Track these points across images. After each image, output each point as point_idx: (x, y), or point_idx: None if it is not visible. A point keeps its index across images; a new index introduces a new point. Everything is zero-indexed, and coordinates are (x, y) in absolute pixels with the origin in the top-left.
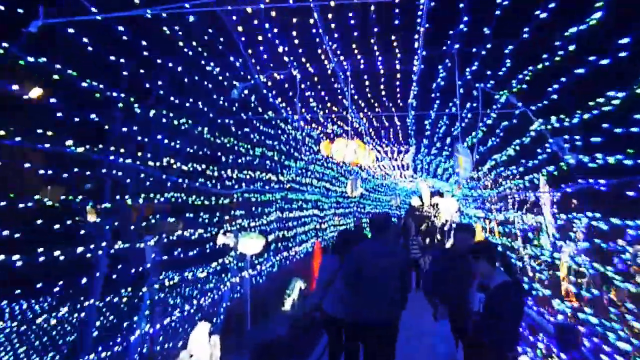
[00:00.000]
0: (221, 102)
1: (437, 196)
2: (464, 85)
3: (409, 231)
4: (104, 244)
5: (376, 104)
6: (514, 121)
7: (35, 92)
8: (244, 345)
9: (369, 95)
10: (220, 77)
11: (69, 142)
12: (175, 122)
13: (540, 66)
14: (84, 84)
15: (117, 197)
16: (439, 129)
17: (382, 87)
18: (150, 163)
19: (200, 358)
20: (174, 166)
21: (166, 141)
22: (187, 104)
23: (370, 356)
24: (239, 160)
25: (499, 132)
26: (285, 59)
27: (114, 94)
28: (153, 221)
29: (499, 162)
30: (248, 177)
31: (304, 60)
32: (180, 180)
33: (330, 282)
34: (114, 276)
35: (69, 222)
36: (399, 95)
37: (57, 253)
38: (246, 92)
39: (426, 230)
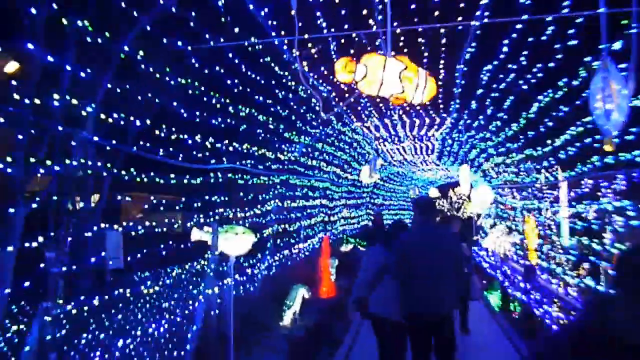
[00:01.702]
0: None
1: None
2: None
3: None
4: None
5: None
6: None
7: None
8: None
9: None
10: None
11: None
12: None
13: None
14: None
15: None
16: (508, 78)
17: None
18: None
19: None
20: (84, 113)
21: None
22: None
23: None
24: (215, 122)
25: None
26: None
27: None
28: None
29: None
30: (232, 149)
31: None
32: (96, 138)
33: (379, 278)
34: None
35: None
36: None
37: None
38: None
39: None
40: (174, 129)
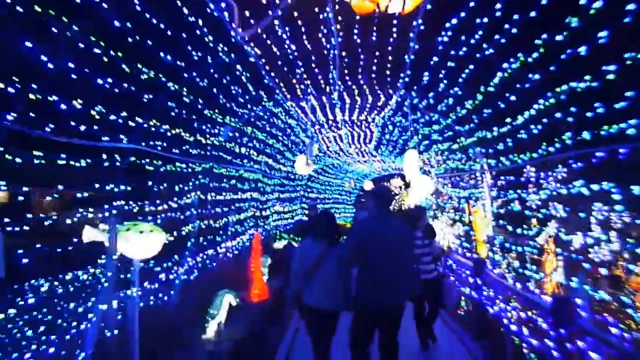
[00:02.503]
0: None
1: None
2: None
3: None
4: None
5: None
6: None
7: None
8: None
9: None
10: None
11: None
12: None
13: None
14: None
15: None
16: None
17: None
18: None
19: None
20: None
21: None
22: None
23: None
24: (104, 83)
25: None
26: None
27: None
28: None
29: None
30: (133, 125)
31: None
32: None
33: (313, 270)
34: None
35: None
36: None
37: None
38: None
39: None
40: (35, 87)
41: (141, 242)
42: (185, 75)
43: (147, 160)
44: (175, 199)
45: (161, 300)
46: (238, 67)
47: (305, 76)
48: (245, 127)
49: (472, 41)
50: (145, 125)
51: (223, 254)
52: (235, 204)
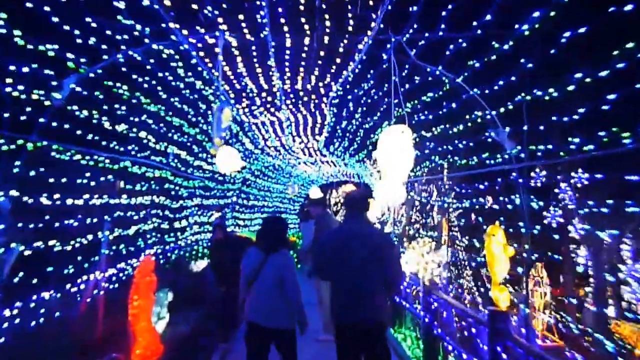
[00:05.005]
0: None
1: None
2: None
3: None
4: None
5: None
6: None
7: None
8: None
9: None
10: None
11: None
12: None
13: None
14: None
15: None
16: None
17: None
18: None
19: None
20: None
21: None
22: None
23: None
24: None
25: None
26: None
27: None
28: None
29: None
30: None
31: None
32: None
33: (251, 282)
34: None
35: None
36: None
37: None
38: None
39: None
40: None
41: None
42: None
43: None
44: None
45: None
46: None
47: None
48: (117, 86)
49: None
50: None
51: (83, 294)
52: (113, 213)
